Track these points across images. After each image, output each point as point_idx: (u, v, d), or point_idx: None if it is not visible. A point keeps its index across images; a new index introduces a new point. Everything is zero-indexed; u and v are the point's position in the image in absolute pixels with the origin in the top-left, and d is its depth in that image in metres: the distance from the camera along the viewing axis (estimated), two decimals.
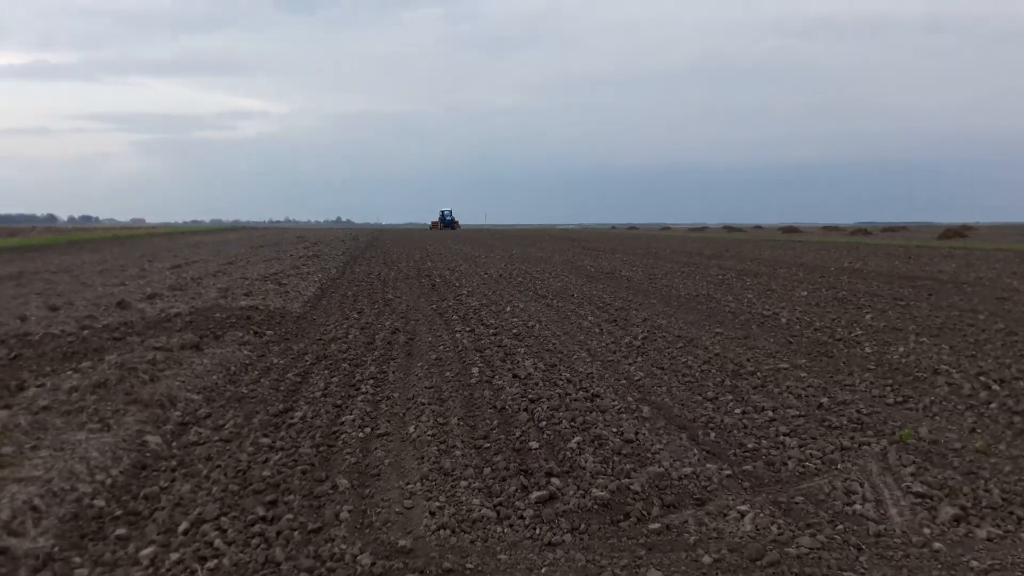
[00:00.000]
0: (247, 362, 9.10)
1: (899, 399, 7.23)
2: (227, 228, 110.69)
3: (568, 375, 8.22)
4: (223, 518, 4.58)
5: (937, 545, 4.27)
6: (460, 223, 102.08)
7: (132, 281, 18.68)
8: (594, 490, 4.94)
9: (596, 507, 4.75)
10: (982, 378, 7.78)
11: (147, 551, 4.20)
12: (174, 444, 6.01)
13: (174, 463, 5.56)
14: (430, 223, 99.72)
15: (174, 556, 4.14)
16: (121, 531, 4.45)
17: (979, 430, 6.30)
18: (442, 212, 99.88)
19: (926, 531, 4.46)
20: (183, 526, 4.47)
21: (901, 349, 9.42)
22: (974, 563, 4.07)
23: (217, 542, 4.28)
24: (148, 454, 5.72)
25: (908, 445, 5.85)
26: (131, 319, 11.80)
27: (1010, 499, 4.88)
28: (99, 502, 4.82)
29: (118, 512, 4.72)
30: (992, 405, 6.93)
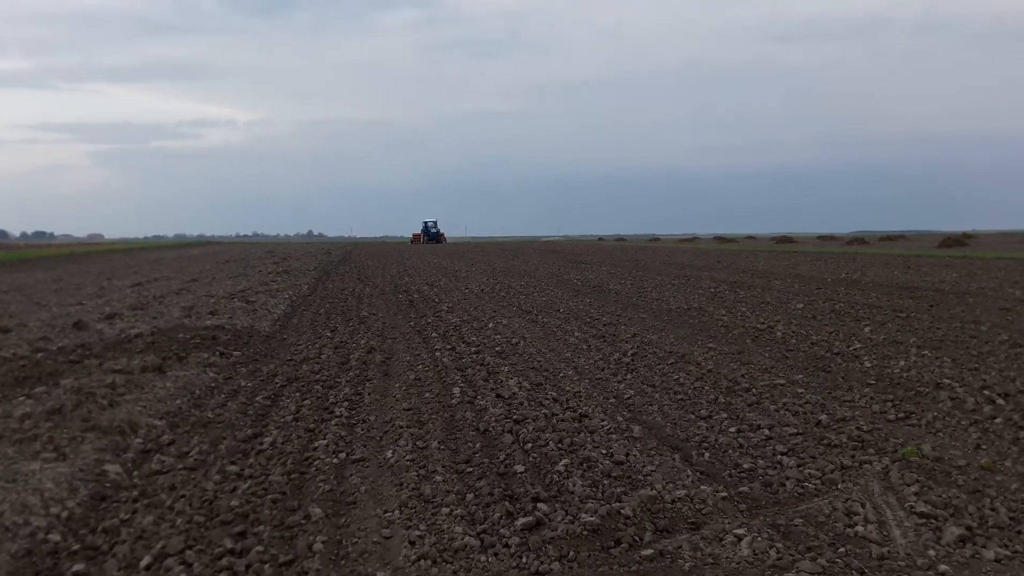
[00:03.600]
0: (213, 385, 9.02)
1: (901, 415, 7.29)
2: (191, 243, 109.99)
3: (554, 394, 8.22)
4: (188, 551, 4.52)
5: (943, 567, 4.29)
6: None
7: (90, 300, 18.50)
8: (583, 515, 4.93)
9: (585, 533, 4.73)
10: (986, 392, 7.87)
11: None
12: (135, 473, 5.93)
13: (135, 494, 5.48)
14: (411, 236, 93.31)
15: None
16: (79, 567, 4.38)
17: (984, 446, 6.36)
18: (425, 224, 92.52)
19: (931, 553, 4.49)
20: (145, 561, 4.41)
21: (902, 363, 9.51)
22: None
23: None
24: (107, 484, 5.65)
25: (911, 463, 5.90)
26: (89, 340, 11.67)
27: (1018, 518, 4.93)
28: (54, 536, 4.74)
29: (75, 547, 4.65)
30: (997, 420, 7.00)
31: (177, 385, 8.79)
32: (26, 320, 14.41)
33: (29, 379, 8.92)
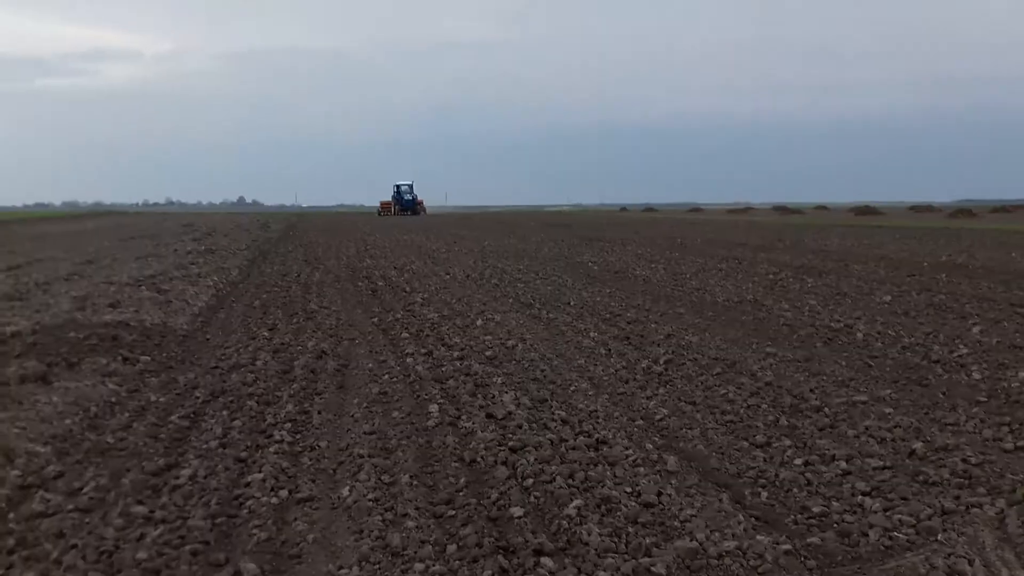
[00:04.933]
0: (114, 400, 9.02)
1: (1021, 443, 7.30)
2: (85, 213, 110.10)
3: (563, 414, 8.23)
4: None
5: None
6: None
7: None
8: (601, 574, 4.93)
9: None
10: None
11: None
12: (11, 516, 5.92)
13: (12, 542, 5.48)
14: (379, 204, 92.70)
15: None
16: None
17: None
18: (398, 187, 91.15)
19: None
20: None
21: (1022, 375, 9.53)
22: None
23: None
24: None
25: None
26: None
27: None
28: None
29: None
30: None
31: (67, 400, 8.77)
32: None
33: None
